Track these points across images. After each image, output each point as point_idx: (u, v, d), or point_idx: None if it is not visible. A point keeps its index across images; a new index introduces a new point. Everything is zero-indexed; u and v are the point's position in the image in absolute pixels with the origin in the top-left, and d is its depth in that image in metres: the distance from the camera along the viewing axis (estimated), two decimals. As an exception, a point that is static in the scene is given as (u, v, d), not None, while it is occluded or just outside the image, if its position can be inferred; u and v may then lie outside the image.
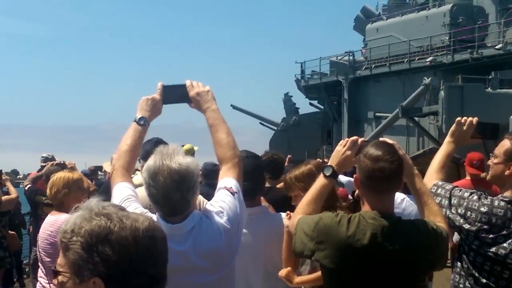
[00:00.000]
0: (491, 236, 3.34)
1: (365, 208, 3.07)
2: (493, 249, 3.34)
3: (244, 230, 3.53)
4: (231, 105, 39.27)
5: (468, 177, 6.75)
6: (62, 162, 8.73)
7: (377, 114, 30.97)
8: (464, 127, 3.73)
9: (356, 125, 32.36)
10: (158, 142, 4.39)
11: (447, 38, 28.27)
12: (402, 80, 30.02)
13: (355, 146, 3.30)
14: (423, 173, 5.50)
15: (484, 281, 3.38)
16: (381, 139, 3.34)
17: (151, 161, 2.81)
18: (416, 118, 27.02)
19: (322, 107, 37.55)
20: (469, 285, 3.44)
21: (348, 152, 3.30)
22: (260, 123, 39.93)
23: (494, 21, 29.04)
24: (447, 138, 3.82)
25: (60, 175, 5.42)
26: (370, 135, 26.80)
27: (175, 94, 3.30)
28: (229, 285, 2.98)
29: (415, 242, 2.98)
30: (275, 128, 37.80)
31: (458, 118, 3.77)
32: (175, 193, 2.75)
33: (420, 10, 31.60)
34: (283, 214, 3.94)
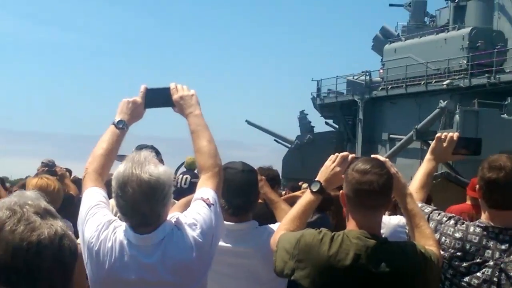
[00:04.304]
0: (464, 264, 3.09)
1: (350, 226, 2.90)
2: (466, 279, 3.08)
3: (233, 246, 3.38)
4: (246, 121, 39.18)
5: (468, 201, 6.53)
6: (55, 169, 8.58)
7: (392, 135, 30.68)
8: (444, 144, 3.54)
9: (370, 146, 32.04)
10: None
11: (465, 62, 28.01)
12: (418, 102, 29.75)
13: (345, 162, 3.14)
14: (431, 197, 5.31)
15: None
16: (372, 156, 3.19)
17: (121, 169, 2.67)
18: (431, 142, 26.67)
19: (337, 126, 37.37)
20: None
21: (338, 168, 3.15)
22: (274, 140, 39.78)
23: (513, 46, 28.75)
24: (427, 156, 3.62)
25: None
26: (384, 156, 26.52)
27: (158, 97, 3.16)
28: None
29: (401, 265, 2.80)
30: (289, 145, 37.64)
31: (438, 134, 3.60)
32: (144, 205, 2.61)
33: (439, 32, 31.37)
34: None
